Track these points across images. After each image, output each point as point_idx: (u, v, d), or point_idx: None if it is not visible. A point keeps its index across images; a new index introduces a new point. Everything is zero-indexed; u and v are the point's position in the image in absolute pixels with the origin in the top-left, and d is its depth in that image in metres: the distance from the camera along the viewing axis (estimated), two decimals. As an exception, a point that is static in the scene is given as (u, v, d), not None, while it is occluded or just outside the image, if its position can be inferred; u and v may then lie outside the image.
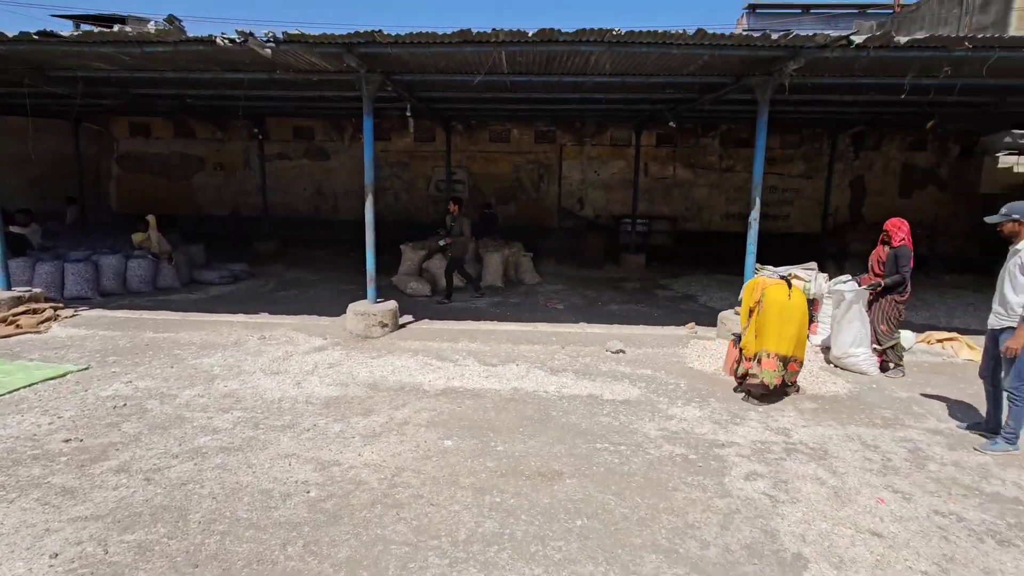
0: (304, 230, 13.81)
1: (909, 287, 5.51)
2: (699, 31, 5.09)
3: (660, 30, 5.10)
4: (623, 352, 6.00)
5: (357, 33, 5.25)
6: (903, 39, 5.22)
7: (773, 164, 13.28)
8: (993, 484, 3.48)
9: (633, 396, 4.80)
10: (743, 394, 4.81)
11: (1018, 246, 3.82)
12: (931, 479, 3.53)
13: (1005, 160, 13.12)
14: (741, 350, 4.90)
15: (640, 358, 5.85)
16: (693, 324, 7.02)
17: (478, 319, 7.20)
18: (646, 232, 12.88)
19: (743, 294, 5.30)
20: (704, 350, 5.99)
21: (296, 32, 5.27)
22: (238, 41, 5.29)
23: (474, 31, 5.12)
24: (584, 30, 5.09)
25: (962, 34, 5.28)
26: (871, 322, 5.65)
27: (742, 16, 23.97)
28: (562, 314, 7.76)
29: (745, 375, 4.76)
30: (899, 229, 5.48)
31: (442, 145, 12.43)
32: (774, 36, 5.19)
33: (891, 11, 18.09)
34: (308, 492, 3.21)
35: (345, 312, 6.49)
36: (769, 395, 4.74)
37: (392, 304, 6.59)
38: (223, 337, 6.16)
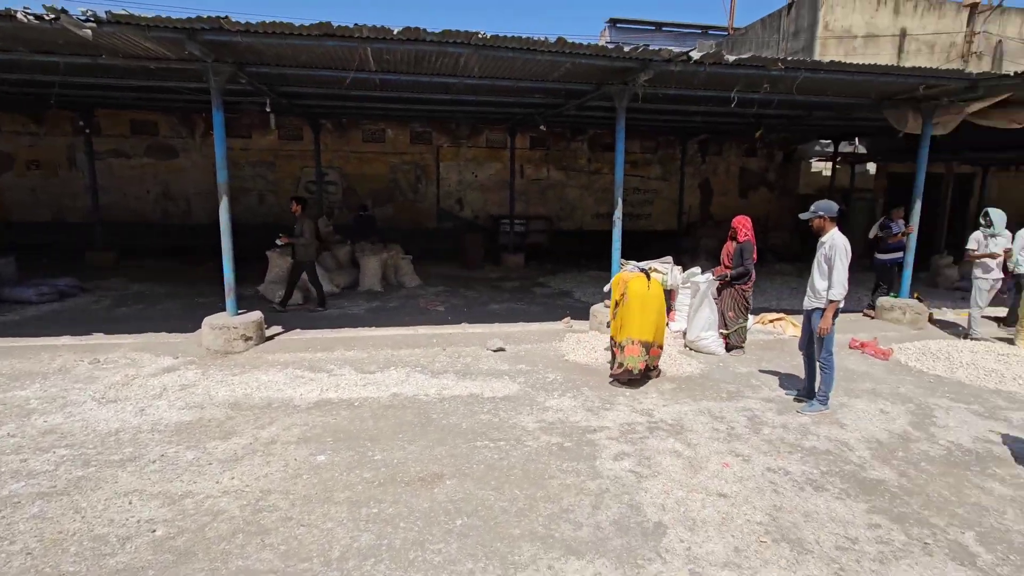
0: (150, 237, 12.26)
1: (753, 277, 6.28)
2: (559, 39, 5.36)
3: (524, 36, 5.29)
4: (503, 350, 6.12)
5: (200, 18, 4.76)
6: (731, 57, 5.95)
7: (635, 167, 14.44)
8: (811, 440, 4.10)
9: (513, 392, 4.92)
10: (613, 381, 5.15)
11: (823, 239, 4.52)
12: (765, 441, 4.06)
13: (816, 165, 15.54)
14: (612, 340, 5.24)
15: (520, 354, 6.02)
16: (568, 319, 7.38)
17: (356, 326, 6.91)
18: (524, 232, 13.29)
19: (611, 288, 5.69)
20: (578, 343, 6.31)
21: (123, 12, 4.63)
22: (48, 18, 4.53)
23: (335, 24, 4.90)
24: (450, 31, 5.11)
25: (779, 56, 6.14)
26: (720, 309, 6.36)
27: (604, 29, 25.70)
28: (443, 316, 7.72)
29: (618, 364, 5.11)
30: (743, 226, 6.22)
31: (311, 144, 11.76)
32: (626, 48, 5.63)
33: (727, 33, 20.55)
34: (154, 531, 2.85)
35: (201, 327, 5.86)
36: (636, 380, 5.13)
37: (256, 315, 6.08)
38: (43, 364, 5.25)
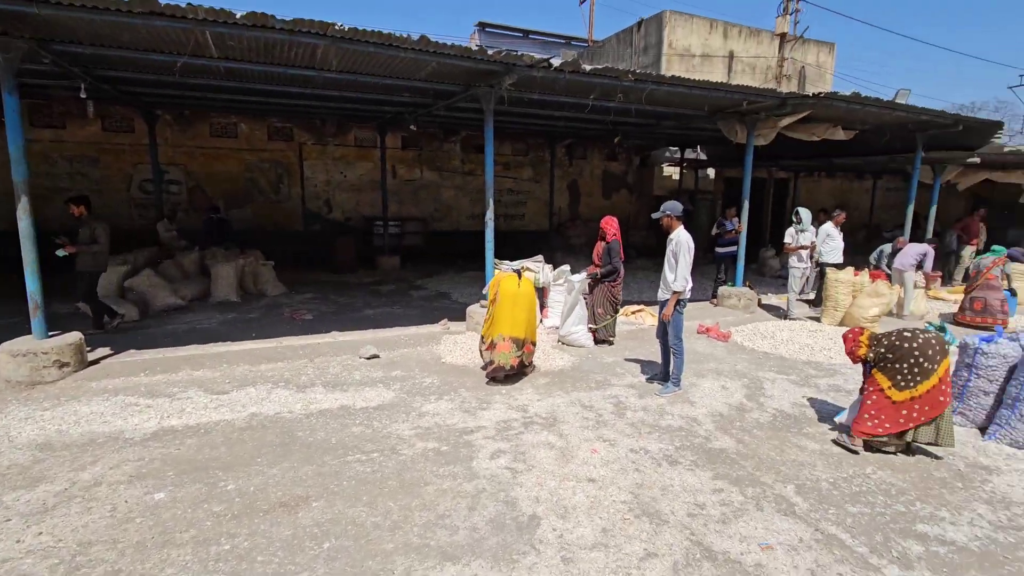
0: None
1: (622, 275, 6.70)
2: (423, 38, 5.28)
3: (386, 32, 5.11)
4: (377, 357, 5.89)
5: (-22, -20, 3.92)
6: (588, 67, 6.32)
7: (508, 169, 14.79)
8: (667, 419, 4.48)
9: (387, 400, 4.74)
10: (490, 380, 5.20)
11: (671, 236, 4.97)
12: (628, 424, 4.36)
13: (667, 170, 17.18)
14: (481, 339, 5.28)
15: (395, 360, 5.83)
16: (446, 320, 7.32)
17: (206, 342, 6.20)
18: (399, 234, 12.97)
19: (488, 290, 5.74)
20: (455, 344, 6.29)
21: None
22: None
23: (163, 1, 4.32)
24: (303, 20, 4.77)
25: (630, 69, 6.66)
26: (591, 305, 6.72)
27: (474, 32, 25.99)
28: (311, 325, 7.23)
29: (489, 362, 5.16)
30: (610, 226, 6.62)
31: (145, 137, 10.33)
32: (491, 52, 5.71)
33: (587, 45, 21.91)
34: (-78, 616, 2.27)
35: (-2, 354, 4.85)
36: (512, 376, 5.23)
37: (74, 336, 5.17)
38: None
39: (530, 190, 15.20)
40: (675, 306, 4.84)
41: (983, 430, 4.24)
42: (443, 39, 5.39)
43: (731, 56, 16.60)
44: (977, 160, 10.31)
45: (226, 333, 6.68)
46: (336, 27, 4.90)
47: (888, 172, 17.05)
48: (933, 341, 3.80)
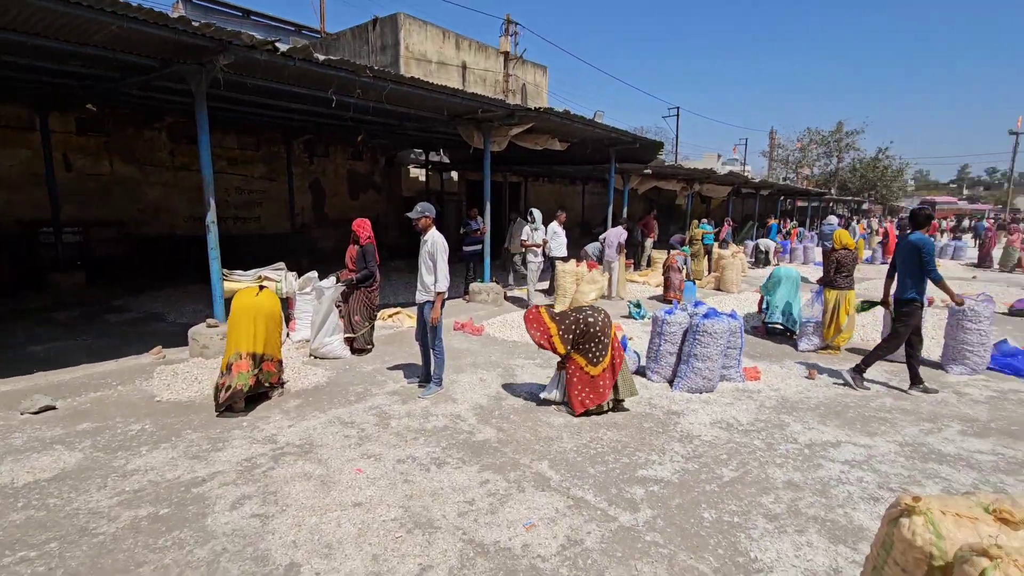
0: None
1: (379, 279, 6.39)
2: (92, -10, 4.10)
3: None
4: (53, 408, 4.42)
5: None
6: (322, 57, 5.85)
7: (236, 165, 12.96)
8: (432, 421, 4.46)
9: (72, 464, 3.57)
10: (222, 411, 4.39)
11: (426, 237, 4.94)
12: (393, 434, 4.18)
13: (414, 171, 17.46)
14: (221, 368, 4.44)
15: (83, 409, 4.46)
16: (160, 348, 5.96)
17: None
18: (80, 242, 10.12)
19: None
20: (176, 376, 5.15)
21: None
22: None
23: None
24: None
25: (370, 65, 6.41)
26: (347, 313, 6.27)
27: (177, 3, 21.97)
28: (-69, 377, 5.04)
29: (219, 389, 4.36)
30: (363, 229, 6.23)
31: None
32: (195, 24, 4.78)
33: (320, 35, 20.68)
34: None
35: None
36: (254, 401, 4.52)
37: None
38: None
39: (265, 189, 13.61)
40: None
41: (671, 383, 5.39)
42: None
43: (464, 67, 17.74)
44: (649, 171, 13.22)
45: None
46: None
47: (592, 179, 20.65)
48: (602, 318, 4.61)
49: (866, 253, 18.94)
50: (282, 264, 6.70)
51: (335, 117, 9.65)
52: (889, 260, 17.70)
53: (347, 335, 6.24)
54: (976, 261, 18.24)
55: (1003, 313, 9.15)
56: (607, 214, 12.07)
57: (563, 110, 8.68)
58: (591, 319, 4.56)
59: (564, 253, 9.61)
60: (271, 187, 13.67)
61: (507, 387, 5.31)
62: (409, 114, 8.97)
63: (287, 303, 6.46)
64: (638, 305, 8.75)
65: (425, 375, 5.21)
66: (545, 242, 9.38)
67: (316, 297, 6.17)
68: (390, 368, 5.83)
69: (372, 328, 6.41)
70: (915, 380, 5.32)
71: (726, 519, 3.14)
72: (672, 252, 10.43)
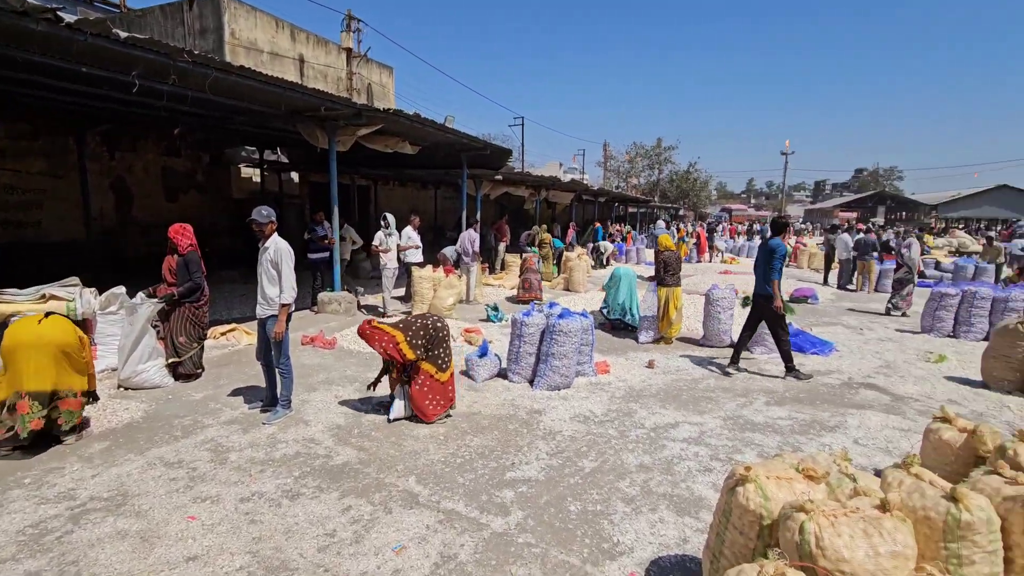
0: None
1: (207, 292, 5.54)
2: None
3: None
4: None
5: None
6: (123, 34, 4.96)
7: (3, 159, 10.44)
8: (281, 448, 4.01)
9: None
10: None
11: (267, 244, 4.43)
12: (234, 469, 3.67)
13: (247, 171, 15.77)
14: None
15: None
16: None
17: None
18: None
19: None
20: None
21: None
22: None
23: None
24: None
25: (188, 49, 5.57)
26: (168, 334, 5.36)
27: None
28: None
29: (8, 430, 3.44)
30: (183, 236, 5.37)
31: None
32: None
33: (119, 10, 17.67)
34: None
35: None
36: (35, 449, 3.64)
37: None
38: None
39: (48, 188, 11.16)
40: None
41: (532, 383, 5.56)
42: None
43: (302, 60, 16.54)
44: (500, 177, 13.62)
45: None
46: None
47: (445, 183, 20.66)
48: (443, 323, 4.64)
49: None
50: (75, 279, 5.52)
51: (145, 106, 8.27)
52: (703, 259, 20.47)
53: (170, 360, 5.35)
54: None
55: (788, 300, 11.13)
56: (460, 218, 12.15)
57: (414, 113, 8.51)
58: (438, 324, 4.56)
59: (420, 259, 9.43)
60: (57, 185, 11.25)
61: (366, 402, 5.01)
62: (239, 107, 8.01)
63: (85, 325, 5.33)
64: (496, 308, 8.93)
65: (270, 398, 4.68)
66: (400, 248, 9.10)
67: (126, 317, 5.19)
68: (228, 394, 5.13)
69: (202, 349, 5.58)
70: (735, 360, 6.20)
71: (590, 508, 3.30)
72: (527, 255, 10.86)
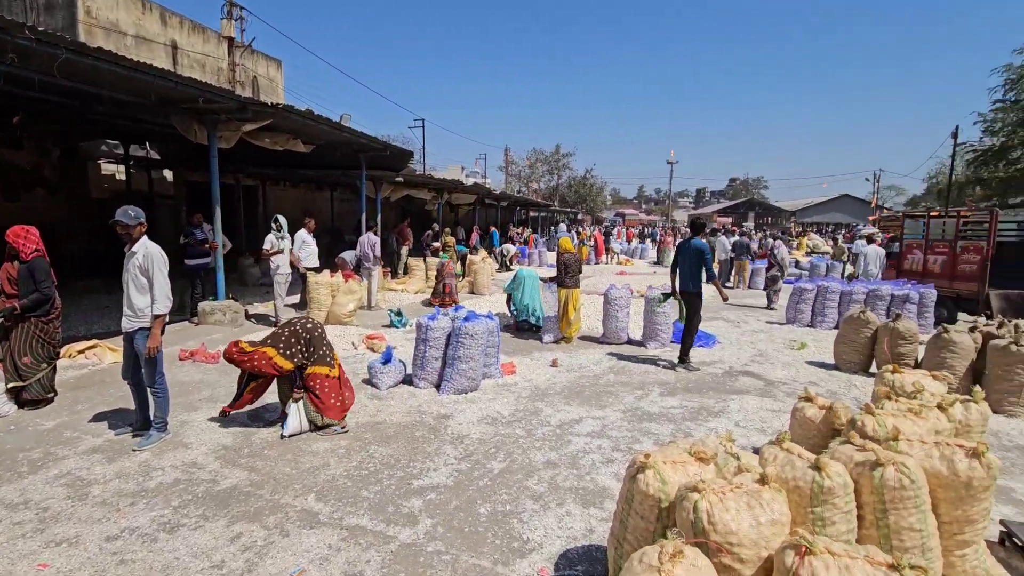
0: None
1: (58, 304, 4.79)
2: None
3: None
4: None
5: None
6: (-61, -2, 4.16)
7: None
8: (157, 477, 3.58)
9: None
10: None
11: (135, 248, 3.93)
12: (97, 505, 3.21)
13: (108, 167, 13.98)
14: None
15: None
16: None
17: None
18: None
19: None
20: None
21: None
22: None
23: None
24: None
25: (32, 24, 4.79)
26: (10, 354, 4.57)
27: None
28: None
29: None
30: (26, 240, 4.61)
31: None
32: None
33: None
34: None
35: None
36: None
37: None
38: None
39: None
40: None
41: (438, 387, 5.47)
42: None
43: (175, 47, 15.03)
44: (401, 179, 13.31)
45: None
46: None
47: (343, 185, 19.79)
48: (308, 324, 4.46)
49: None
50: None
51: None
52: (600, 261, 21.49)
53: (11, 384, 4.58)
54: (655, 259, 23.64)
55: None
56: (359, 221, 11.70)
57: (306, 109, 8.05)
58: (307, 325, 4.42)
59: (316, 263, 8.93)
60: None
61: (257, 417, 4.63)
62: (99, 95, 7.08)
63: None
64: (399, 313, 8.69)
65: (142, 421, 4.16)
66: (294, 256, 8.54)
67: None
68: (88, 420, 4.49)
69: (53, 370, 4.83)
70: (683, 357, 6.48)
71: (500, 509, 3.30)
72: (447, 260, 10.73)
